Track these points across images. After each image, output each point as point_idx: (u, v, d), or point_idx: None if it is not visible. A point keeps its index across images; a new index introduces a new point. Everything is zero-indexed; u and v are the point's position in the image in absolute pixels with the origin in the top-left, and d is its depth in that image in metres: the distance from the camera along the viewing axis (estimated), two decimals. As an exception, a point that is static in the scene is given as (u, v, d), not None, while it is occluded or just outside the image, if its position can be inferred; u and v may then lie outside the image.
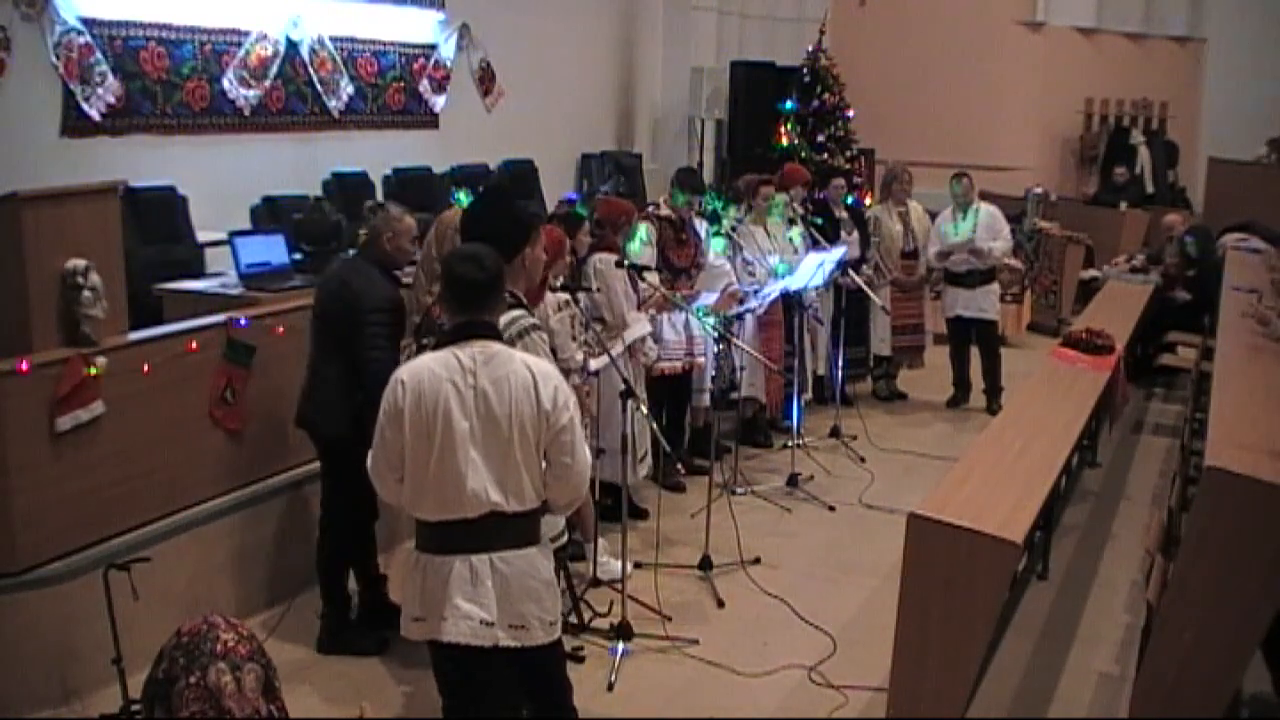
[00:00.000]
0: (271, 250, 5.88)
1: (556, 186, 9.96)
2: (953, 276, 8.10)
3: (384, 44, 8.83)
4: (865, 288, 7.48)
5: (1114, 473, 7.13)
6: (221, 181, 7.34)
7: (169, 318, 5.33)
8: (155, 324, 5.10)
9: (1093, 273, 10.65)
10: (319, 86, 8.21)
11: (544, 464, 3.13)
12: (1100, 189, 12.55)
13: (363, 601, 4.77)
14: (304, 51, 8.06)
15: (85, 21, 6.59)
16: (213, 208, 7.14)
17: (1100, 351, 6.31)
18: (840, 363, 7.71)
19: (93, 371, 4.18)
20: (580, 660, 4.46)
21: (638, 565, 5.29)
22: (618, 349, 5.24)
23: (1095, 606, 5.23)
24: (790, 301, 7.01)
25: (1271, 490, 3.51)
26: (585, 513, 4.98)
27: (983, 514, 3.73)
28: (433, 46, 9.29)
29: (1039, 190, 11.36)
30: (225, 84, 7.51)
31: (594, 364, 4.97)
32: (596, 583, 5.12)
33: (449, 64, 9.42)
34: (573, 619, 4.71)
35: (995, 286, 8.22)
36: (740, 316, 6.60)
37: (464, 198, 4.94)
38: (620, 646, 4.56)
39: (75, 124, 6.60)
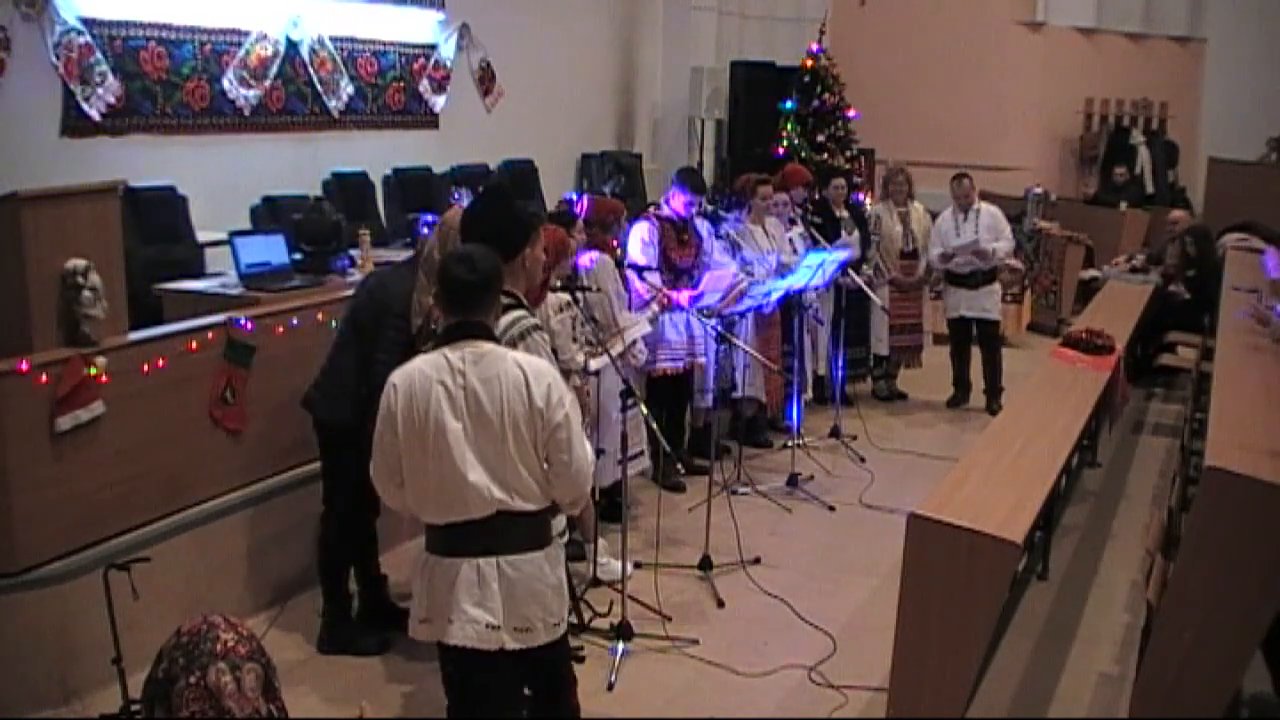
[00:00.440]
0: (271, 250, 5.88)
1: (556, 186, 9.95)
2: (955, 277, 8.11)
3: (384, 44, 8.82)
4: (865, 288, 7.48)
5: (1114, 473, 7.13)
6: (221, 181, 7.34)
7: (169, 318, 5.33)
8: (155, 324, 5.10)
9: (1093, 273, 10.66)
10: (319, 86, 8.21)
11: (544, 463, 3.13)
12: (1100, 189, 12.55)
13: (363, 601, 4.77)
14: (304, 51, 8.06)
15: (85, 21, 6.58)
16: (213, 208, 7.14)
17: (1100, 351, 6.31)
18: (841, 363, 7.71)
19: (93, 371, 4.18)
20: (580, 660, 4.44)
21: (638, 565, 5.29)
22: (618, 349, 5.24)
23: (1095, 606, 5.23)
24: (790, 302, 7.01)
25: (1271, 490, 3.51)
26: (585, 513, 4.98)
27: (983, 514, 3.73)
28: (433, 46, 9.29)
29: (1039, 190, 11.37)
30: (225, 84, 7.51)
31: (594, 364, 4.97)
32: (596, 583, 5.13)
33: (449, 64, 9.42)
34: (573, 619, 4.71)
35: (997, 286, 8.24)
36: (743, 315, 6.60)
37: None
38: (620, 646, 4.56)
39: (75, 124, 6.60)
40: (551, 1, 10.48)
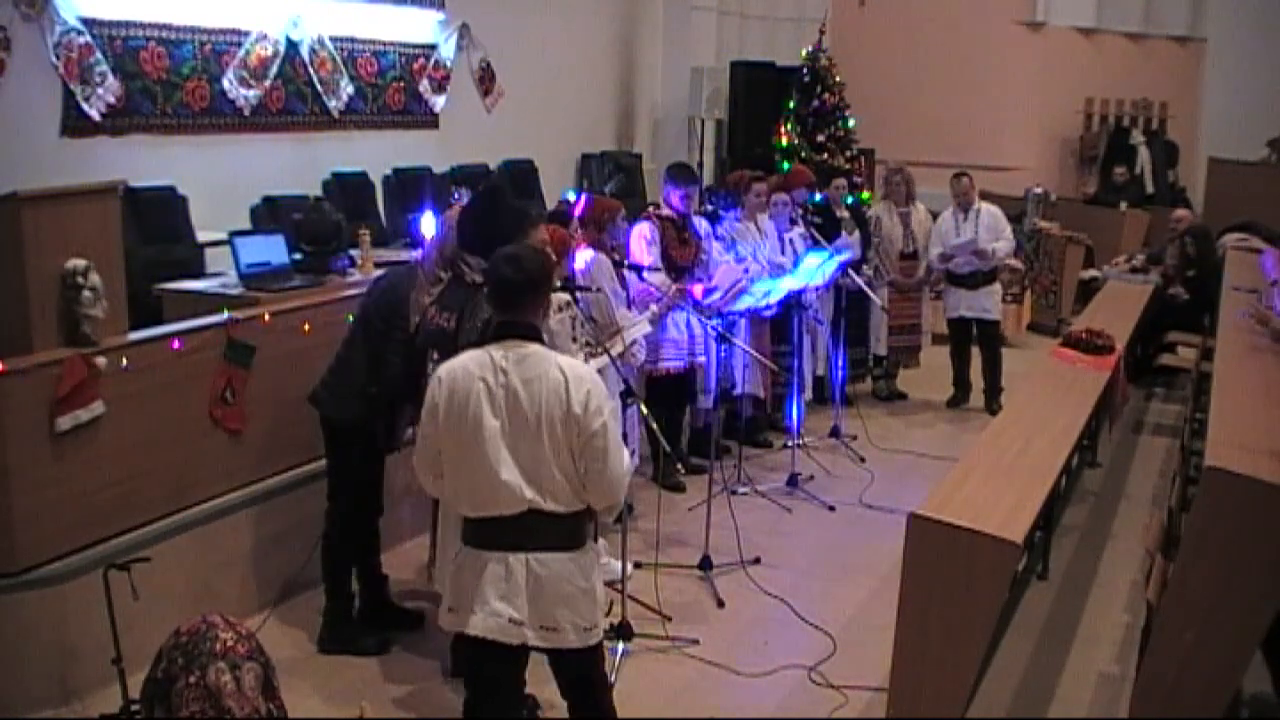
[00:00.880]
0: (271, 250, 5.87)
1: (556, 186, 9.95)
2: (955, 277, 8.11)
3: (384, 44, 8.82)
4: (865, 288, 7.48)
5: (1114, 473, 7.13)
6: (221, 181, 7.34)
7: (169, 318, 5.33)
8: (155, 324, 5.10)
9: (1093, 273, 10.65)
10: (319, 86, 8.20)
11: (580, 469, 3.13)
12: (1100, 189, 12.55)
13: (364, 601, 4.77)
14: (304, 51, 8.06)
15: (85, 21, 6.58)
16: (213, 208, 7.14)
17: (1100, 351, 6.32)
18: (841, 363, 7.71)
19: (92, 371, 4.18)
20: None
21: (638, 565, 5.29)
22: (617, 349, 5.24)
23: (1095, 606, 5.23)
24: (790, 301, 7.01)
25: (1271, 490, 3.51)
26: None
27: (983, 514, 3.73)
28: (433, 46, 9.29)
29: (1039, 190, 11.36)
30: (225, 84, 7.51)
31: (594, 364, 4.97)
32: (597, 583, 5.12)
33: (449, 64, 9.42)
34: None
35: (998, 287, 8.24)
36: (744, 315, 6.60)
37: None
38: (620, 646, 4.55)
39: (75, 124, 6.60)
40: (551, 1, 10.48)
